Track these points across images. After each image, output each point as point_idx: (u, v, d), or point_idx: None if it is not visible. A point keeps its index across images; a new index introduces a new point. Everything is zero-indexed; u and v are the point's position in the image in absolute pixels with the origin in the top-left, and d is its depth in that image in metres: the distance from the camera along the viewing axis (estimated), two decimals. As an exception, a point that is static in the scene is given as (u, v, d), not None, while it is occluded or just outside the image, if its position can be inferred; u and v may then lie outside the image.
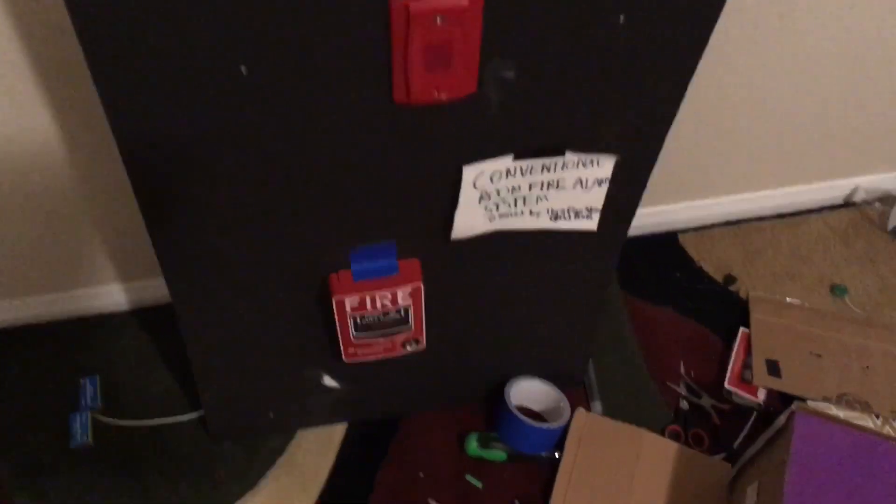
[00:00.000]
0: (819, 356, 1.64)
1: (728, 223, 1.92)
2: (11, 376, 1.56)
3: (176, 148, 0.92)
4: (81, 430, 1.47)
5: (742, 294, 1.78)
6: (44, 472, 1.44)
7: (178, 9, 0.78)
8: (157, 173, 0.96)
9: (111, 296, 1.63)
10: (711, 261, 1.84)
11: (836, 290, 1.79)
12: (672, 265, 1.83)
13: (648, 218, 1.84)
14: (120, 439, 1.49)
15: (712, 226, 1.91)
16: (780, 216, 1.93)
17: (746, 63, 1.51)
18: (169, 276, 1.13)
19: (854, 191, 1.94)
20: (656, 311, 1.75)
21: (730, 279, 1.80)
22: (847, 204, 1.98)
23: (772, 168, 1.81)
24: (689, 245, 1.87)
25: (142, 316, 1.66)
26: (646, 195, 1.75)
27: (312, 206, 1.05)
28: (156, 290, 1.63)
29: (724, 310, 1.75)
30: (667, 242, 1.87)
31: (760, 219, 1.92)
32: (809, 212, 1.95)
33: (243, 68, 0.84)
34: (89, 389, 1.52)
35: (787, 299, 1.76)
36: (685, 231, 1.89)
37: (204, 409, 1.43)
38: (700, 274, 1.82)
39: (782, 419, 1.33)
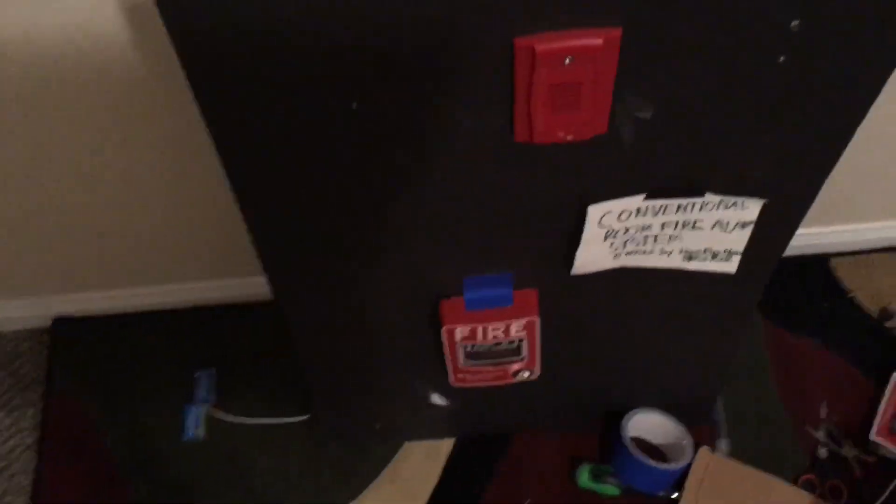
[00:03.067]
0: (984, 412, 1.45)
1: (888, 249, 1.72)
2: (132, 363, 1.60)
3: (286, 163, 0.88)
4: (195, 423, 1.49)
5: (900, 331, 1.60)
6: (155, 462, 1.47)
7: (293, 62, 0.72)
8: (264, 200, 0.92)
9: (232, 288, 1.63)
10: (867, 291, 1.66)
11: None
12: (821, 292, 1.66)
13: (797, 238, 1.67)
14: (231, 435, 1.50)
15: (870, 251, 1.72)
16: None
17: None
18: (277, 287, 1.11)
19: None
20: (799, 343, 1.59)
21: (886, 314, 1.62)
22: None
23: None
24: (842, 271, 1.69)
25: (261, 311, 1.66)
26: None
27: (429, 233, 1.00)
28: (273, 285, 1.63)
29: (877, 348, 1.58)
30: (816, 266, 1.70)
31: (927, 247, 1.72)
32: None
33: (354, 104, 0.78)
34: (205, 383, 1.54)
35: (953, 341, 1.57)
36: (838, 255, 1.71)
37: (312, 411, 1.42)
38: (852, 305, 1.64)
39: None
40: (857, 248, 1.72)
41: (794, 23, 0.73)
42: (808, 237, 1.68)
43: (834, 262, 1.70)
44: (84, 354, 1.62)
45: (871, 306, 1.64)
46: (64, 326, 1.65)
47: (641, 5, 0.71)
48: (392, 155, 0.86)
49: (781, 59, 0.77)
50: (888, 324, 1.61)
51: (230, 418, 1.52)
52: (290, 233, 0.99)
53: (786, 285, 1.66)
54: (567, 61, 0.73)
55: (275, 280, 1.09)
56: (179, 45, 0.72)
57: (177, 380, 1.57)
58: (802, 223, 1.64)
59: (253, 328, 1.64)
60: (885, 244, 1.71)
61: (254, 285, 1.64)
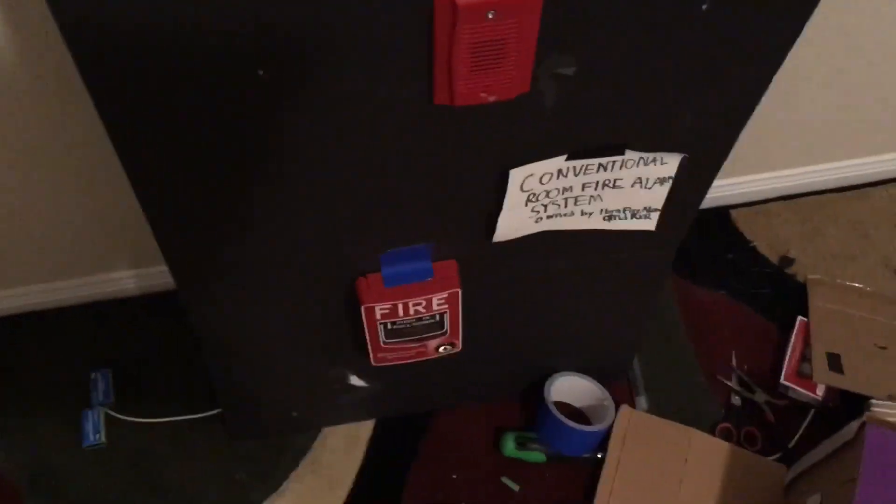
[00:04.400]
0: (884, 348, 1.51)
1: (784, 198, 1.76)
2: (19, 369, 1.47)
3: (187, 148, 0.80)
4: (94, 428, 1.38)
5: (800, 277, 1.64)
6: (56, 473, 1.36)
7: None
8: (165, 182, 0.84)
9: (120, 281, 1.52)
10: (766, 240, 1.70)
11: (902, 273, 1.65)
12: (723, 245, 1.69)
13: (698, 192, 1.70)
14: (135, 437, 1.40)
15: (766, 201, 1.76)
16: (842, 189, 1.77)
17: (819, 30, 1.35)
18: (177, 274, 1.02)
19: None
20: (706, 296, 1.62)
21: (786, 261, 1.66)
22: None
23: (835, 139, 1.65)
24: (742, 222, 1.72)
25: (154, 302, 1.55)
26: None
27: (342, 206, 0.93)
28: (168, 275, 1.52)
29: (780, 295, 1.62)
30: (717, 219, 1.73)
31: (820, 192, 1.77)
32: (874, 184, 1.79)
33: (260, 71, 0.71)
34: (101, 384, 1.43)
35: (849, 283, 1.62)
36: (737, 206, 1.74)
37: (221, 407, 1.34)
38: (754, 254, 1.68)
39: (851, 430, 1.22)
40: (754, 198, 1.75)
41: (720, -33, 0.71)
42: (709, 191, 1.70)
43: (734, 213, 1.74)
44: (-40, 364, 1.48)
45: (771, 254, 1.68)
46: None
47: (566, -48, 0.67)
48: (301, 123, 0.79)
49: (704, 6, 0.75)
50: (788, 270, 1.65)
51: (132, 419, 1.41)
52: (190, 215, 0.90)
53: (690, 239, 1.68)
54: (490, 16, 0.68)
55: (176, 268, 1.01)
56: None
57: (70, 384, 1.45)
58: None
59: (147, 322, 1.54)
60: (780, 193, 1.76)
61: (144, 276, 1.54)
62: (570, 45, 0.76)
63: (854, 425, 1.21)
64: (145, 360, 1.49)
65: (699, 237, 1.69)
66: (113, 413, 1.42)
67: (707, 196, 1.69)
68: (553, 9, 0.71)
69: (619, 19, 0.74)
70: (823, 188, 1.77)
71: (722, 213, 1.74)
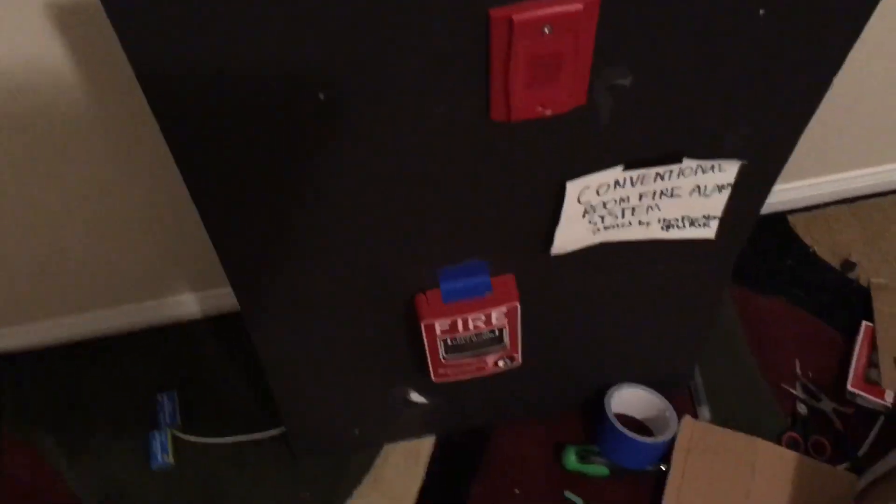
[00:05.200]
0: (954, 352, 1.47)
1: (843, 201, 1.73)
2: (88, 393, 1.51)
3: (243, 157, 0.82)
4: (161, 449, 1.41)
5: (862, 282, 1.61)
6: (127, 494, 1.39)
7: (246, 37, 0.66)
8: (230, 209, 0.86)
9: (183, 305, 1.56)
10: (826, 244, 1.67)
11: (970, 274, 1.61)
12: (782, 250, 1.67)
13: (754, 199, 1.67)
14: (201, 457, 1.43)
15: (825, 205, 1.73)
16: (901, 191, 1.74)
17: (878, 29, 1.33)
18: (238, 289, 1.04)
19: None
20: (766, 303, 1.59)
21: (848, 265, 1.63)
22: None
23: (890, 140, 1.62)
24: (801, 227, 1.69)
25: (216, 325, 1.58)
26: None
27: (401, 224, 0.94)
28: (229, 297, 1.55)
29: (842, 300, 1.59)
30: (775, 225, 1.70)
31: (881, 194, 1.73)
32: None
33: (322, 95, 0.73)
34: (167, 406, 1.46)
35: (915, 285, 1.59)
36: (795, 212, 1.72)
37: (285, 426, 1.36)
38: (814, 260, 1.65)
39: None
40: (812, 203, 1.72)
41: (776, -28, 0.70)
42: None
43: (791, 218, 1.71)
44: (31, 393, 1.52)
45: (832, 259, 1.65)
46: (5, 364, 1.54)
47: (620, -36, 0.67)
48: (360, 145, 0.81)
49: (762, 11, 0.74)
50: (851, 274, 1.62)
51: (199, 440, 1.44)
52: (255, 240, 0.92)
53: (748, 247, 1.65)
54: (546, 31, 0.69)
55: (241, 292, 1.03)
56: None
57: (137, 406, 1.48)
58: (759, 183, 1.64)
59: (210, 344, 1.57)
60: (838, 197, 1.73)
61: (206, 299, 1.57)
62: (626, 57, 0.76)
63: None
64: (210, 382, 1.52)
65: (757, 244, 1.67)
66: (179, 434, 1.45)
67: (766, 202, 1.68)
68: (608, 22, 0.71)
69: (675, 29, 0.74)
70: (885, 190, 1.74)
71: (780, 219, 1.71)
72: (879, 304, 1.55)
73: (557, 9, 0.67)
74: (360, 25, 0.68)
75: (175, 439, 1.44)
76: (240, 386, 1.51)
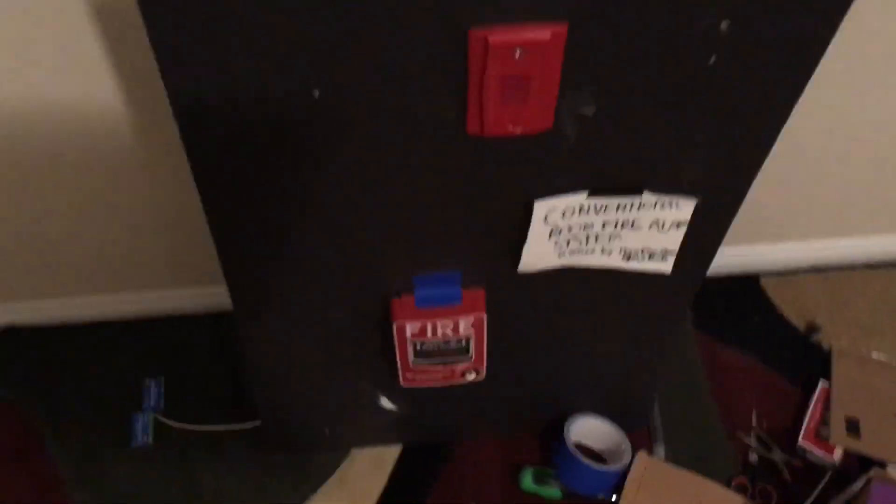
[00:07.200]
0: (904, 418, 1.54)
1: (814, 269, 1.82)
2: (81, 371, 1.60)
3: (245, 166, 0.92)
4: (143, 430, 1.49)
5: (825, 345, 1.69)
6: (103, 467, 1.46)
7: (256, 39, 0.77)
8: (226, 193, 0.96)
9: (178, 299, 1.65)
10: (794, 307, 1.75)
11: (928, 349, 1.68)
12: (752, 308, 1.75)
13: (729, 258, 1.77)
14: (179, 442, 1.50)
15: (797, 271, 1.82)
16: (871, 266, 1.83)
17: (847, 98, 1.43)
18: (232, 287, 1.13)
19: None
20: (731, 354, 1.67)
21: (813, 328, 1.71)
22: (945, 257, 1.86)
23: (865, 213, 1.71)
24: (772, 289, 1.78)
25: (211, 321, 1.67)
26: (728, 233, 1.67)
27: (379, 231, 1.04)
28: (220, 297, 1.64)
29: (804, 360, 1.67)
30: (747, 285, 1.79)
31: (850, 267, 1.82)
32: (906, 263, 1.84)
33: (316, 92, 0.83)
34: (154, 390, 1.55)
35: (874, 354, 1.66)
36: (768, 274, 1.81)
37: (260, 418, 1.43)
38: (781, 320, 1.73)
39: (858, 485, 1.25)
40: (784, 267, 1.81)
41: (725, 24, 0.80)
42: (740, 256, 1.77)
43: (764, 280, 1.80)
44: (31, 364, 1.61)
45: (798, 322, 1.73)
46: (12, 336, 1.64)
47: (585, 2, 0.77)
48: (350, 146, 0.91)
49: (713, 59, 0.85)
50: (814, 337, 1.70)
51: (179, 425, 1.52)
52: (252, 241, 1.03)
53: (719, 301, 1.75)
54: (517, 54, 0.79)
55: (235, 289, 1.12)
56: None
57: (126, 388, 1.57)
58: (734, 241, 1.74)
59: (201, 338, 1.66)
60: (810, 263, 1.81)
61: (199, 296, 1.66)
62: (589, 87, 0.86)
63: (861, 481, 1.25)
64: (196, 373, 1.61)
65: (729, 299, 1.76)
66: (162, 418, 1.53)
67: (737, 261, 1.77)
68: (574, 53, 0.81)
69: (634, 68, 0.84)
70: (855, 262, 1.82)
71: (753, 279, 1.80)
72: (839, 368, 1.63)
73: (528, 35, 0.78)
74: (347, 41, 0.78)
75: (157, 422, 1.52)
76: (223, 380, 1.59)
